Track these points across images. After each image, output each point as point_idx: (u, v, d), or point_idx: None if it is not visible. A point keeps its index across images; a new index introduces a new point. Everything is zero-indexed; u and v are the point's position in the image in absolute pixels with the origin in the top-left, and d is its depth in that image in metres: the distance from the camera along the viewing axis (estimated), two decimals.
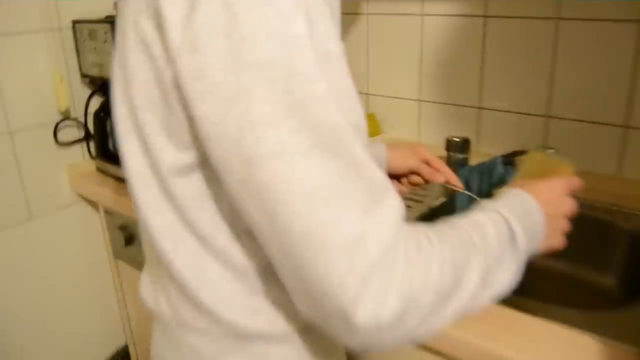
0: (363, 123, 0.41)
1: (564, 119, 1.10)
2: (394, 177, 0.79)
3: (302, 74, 0.36)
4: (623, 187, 1.01)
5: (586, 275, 0.94)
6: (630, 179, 1.05)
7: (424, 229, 0.42)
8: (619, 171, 1.06)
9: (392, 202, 0.39)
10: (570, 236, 0.56)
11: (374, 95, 1.39)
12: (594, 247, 0.94)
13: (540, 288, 0.88)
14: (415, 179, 0.78)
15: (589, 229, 0.92)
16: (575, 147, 1.10)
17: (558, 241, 0.54)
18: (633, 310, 0.68)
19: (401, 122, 1.37)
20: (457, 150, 1.07)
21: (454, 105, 1.26)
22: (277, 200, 0.37)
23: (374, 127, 1.35)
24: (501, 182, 0.97)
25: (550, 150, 0.93)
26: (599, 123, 1.06)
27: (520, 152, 0.96)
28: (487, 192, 1.01)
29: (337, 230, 0.36)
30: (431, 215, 1.02)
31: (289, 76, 0.35)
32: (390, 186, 0.40)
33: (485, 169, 1.00)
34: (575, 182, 0.57)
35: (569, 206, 0.55)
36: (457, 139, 1.07)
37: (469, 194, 0.81)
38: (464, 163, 1.08)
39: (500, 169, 0.98)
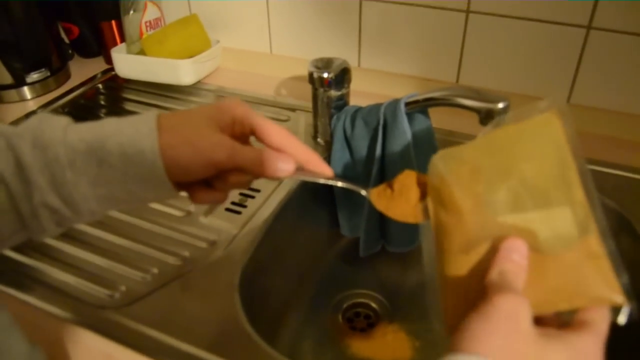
0: None
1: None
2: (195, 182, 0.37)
3: None
4: None
5: None
6: None
7: None
8: None
9: None
10: None
11: None
12: None
13: None
14: (235, 178, 0.36)
15: None
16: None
17: None
18: None
19: (242, 26, 0.91)
20: (328, 84, 0.65)
21: None
22: None
23: (198, 36, 0.86)
24: (404, 143, 0.58)
25: (542, 104, 0.32)
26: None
27: (439, 99, 0.56)
28: (381, 160, 0.61)
29: None
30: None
31: None
32: None
33: (378, 117, 0.60)
34: None
35: None
36: (329, 72, 0.65)
37: (350, 186, 0.40)
38: (340, 105, 0.67)
39: (403, 120, 0.59)
